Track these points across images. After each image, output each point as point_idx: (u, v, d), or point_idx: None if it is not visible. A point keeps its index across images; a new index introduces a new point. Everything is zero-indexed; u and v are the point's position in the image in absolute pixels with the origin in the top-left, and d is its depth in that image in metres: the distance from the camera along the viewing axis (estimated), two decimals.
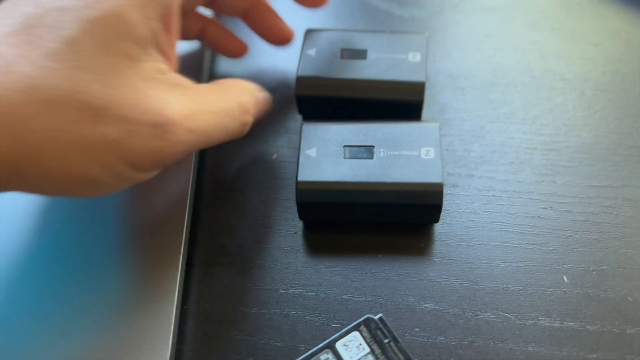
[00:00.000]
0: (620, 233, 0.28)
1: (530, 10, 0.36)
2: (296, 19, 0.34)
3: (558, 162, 0.30)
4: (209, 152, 0.31)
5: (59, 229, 0.28)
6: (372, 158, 0.27)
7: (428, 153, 0.27)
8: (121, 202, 0.28)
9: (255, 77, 0.33)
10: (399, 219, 0.28)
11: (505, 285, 0.26)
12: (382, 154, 0.27)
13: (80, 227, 0.28)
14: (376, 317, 0.24)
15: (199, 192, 0.30)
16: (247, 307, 0.26)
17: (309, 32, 0.31)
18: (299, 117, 0.32)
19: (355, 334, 0.24)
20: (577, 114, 0.32)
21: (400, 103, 0.29)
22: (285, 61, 0.35)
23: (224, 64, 0.36)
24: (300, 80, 0.30)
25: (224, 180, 0.31)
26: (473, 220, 0.28)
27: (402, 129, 0.28)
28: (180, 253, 0.27)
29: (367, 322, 0.24)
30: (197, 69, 0.33)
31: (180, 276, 0.27)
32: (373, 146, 0.28)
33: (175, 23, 0.24)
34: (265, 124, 0.32)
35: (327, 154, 0.27)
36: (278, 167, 0.31)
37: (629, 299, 0.26)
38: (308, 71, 0.30)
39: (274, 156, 0.31)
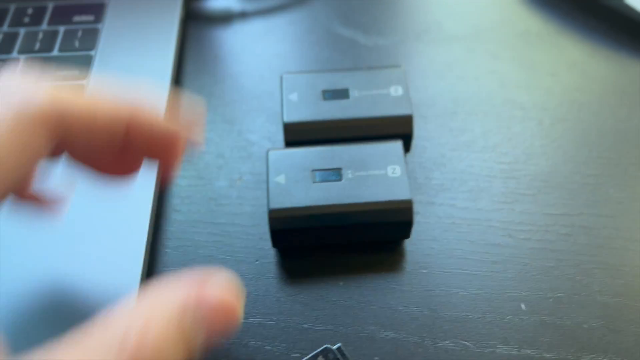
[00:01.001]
0: (577, 261, 0.28)
1: (491, 41, 0.37)
2: (260, 56, 0.34)
3: (517, 190, 0.30)
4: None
5: None
6: (341, 180, 0.27)
7: (394, 171, 0.27)
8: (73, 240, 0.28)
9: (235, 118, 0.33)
10: (372, 238, 0.28)
11: (464, 313, 0.27)
12: (350, 175, 0.27)
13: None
14: (334, 347, 0.24)
15: (158, 218, 0.30)
16: None
17: (286, 76, 0.31)
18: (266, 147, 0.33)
19: None
20: (535, 143, 0.32)
21: (390, 137, 0.29)
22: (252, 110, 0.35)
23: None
24: (288, 126, 0.30)
25: (182, 205, 0.30)
26: (433, 248, 0.29)
27: (368, 149, 0.28)
28: (137, 281, 0.26)
29: (325, 352, 0.24)
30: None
31: None
32: (341, 168, 0.28)
33: None
34: (232, 153, 0.32)
35: (296, 180, 0.27)
36: (241, 193, 0.31)
37: (584, 326, 0.26)
38: (294, 116, 0.30)
39: (239, 180, 0.31)
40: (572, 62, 0.36)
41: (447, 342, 0.26)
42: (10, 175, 0.18)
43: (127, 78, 0.34)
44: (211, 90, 0.35)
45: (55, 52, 0.35)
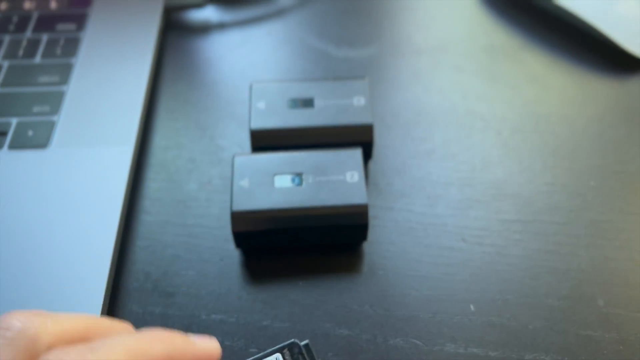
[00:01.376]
0: (526, 265, 0.29)
1: (456, 54, 0.39)
2: (236, 66, 0.36)
3: (472, 197, 0.32)
4: (140, 175, 0.33)
5: None
6: (302, 185, 0.29)
7: (353, 177, 0.29)
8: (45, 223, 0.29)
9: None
10: (330, 240, 0.30)
11: (415, 313, 0.28)
12: (310, 180, 0.29)
13: None
14: (302, 343, 0.25)
15: (129, 219, 0.31)
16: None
17: (255, 85, 0.33)
18: (233, 151, 0.34)
19: (278, 355, 0.25)
20: (493, 152, 0.34)
21: (352, 145, 0.31)
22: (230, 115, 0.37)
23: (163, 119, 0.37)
24: (254, 133, 0.31)
25: (152, 207, 0.32)
26: (390, 250, 0.30)
27: (328, 155, 0.30)
28: (104, 279, 0.28)
29: (291, 347, 0.25)
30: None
31: (104, 304, 0.27)
32: (302, 173, 0.29)
33: None
34: (203, 157, 0.34)
35: (259, 184, 0.29)
36: (210, 196, 0.32)
37: (529, 327, 0.27)
38: (260, 123, 0.31)
39: (207, 185, 0.33)
40: (532, 75, 0.37)
41: (398, 339, 0.27)
42: None
43: (105, 85, 0.35)
44: (186, 97, 0.37)
45: (37, 59, 0.37)
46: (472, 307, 0.28)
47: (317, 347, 0.27)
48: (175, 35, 0.41)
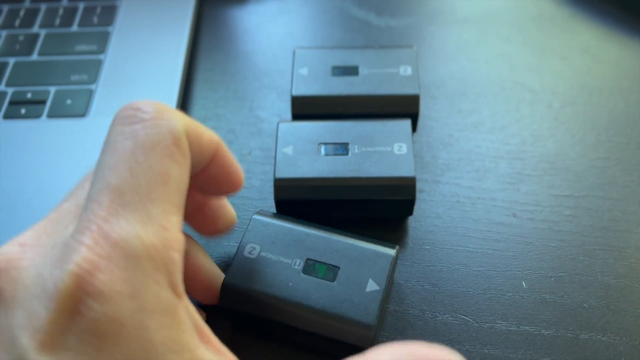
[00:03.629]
0: (579, 241, 0.28)
1: (504, 24, 0.37)
2: (274, 35, 0.35)
3: (523, 171, 0.31)
4: None
5: None
6: (347, 154, 0.28)
7: (401, 148, 0.28)
8: None
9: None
10: (375, 213, 0.29)
11: (464, 289, 0.27)
12: (356, 150, 0.28)
13: None
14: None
15: None
16: None
17: (298, 51, 0.32)
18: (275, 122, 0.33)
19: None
20: (544, 125, 0.32)
21: (397, 116, 0.30)
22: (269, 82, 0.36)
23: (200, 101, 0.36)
24: (296, 99, 0.30)
25: None
26: (437, 225, 0.29)
27: (376, 126, 0.29)
28: None
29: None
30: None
31: None
32: (348, 143, 0.28)
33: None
34: (242, 128, 0.33)
35: (303, 152, 0.28)
36: (250, 168, 0.31)
37: (585, 305, 0.26)
38: (302, 90, 0.30)
39: (248, 154, 0.32)
40: (584, 46, 0.36)
41: (447, 315, 0.26)
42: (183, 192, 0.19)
43: (143, 54, 0.35)
44: (224, 68, 0.36)
45: (74, 28, 0.36)
46: (524, 283, 0.27)
47: None
48: (213, 4, 0.40)
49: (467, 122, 0.33)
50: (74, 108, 0.32)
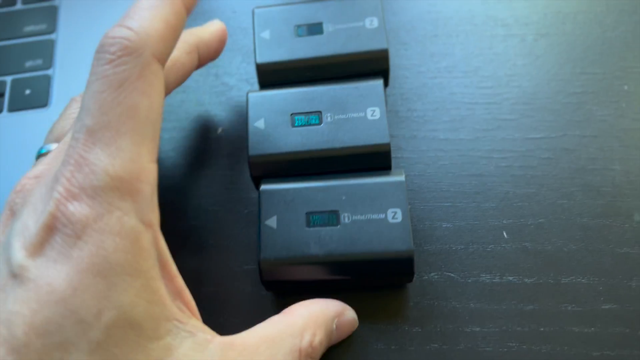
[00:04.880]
0: (558, 184, 0.28)
1: None
2: None
3: (499, 116, 0.30)
4: None
5: None
6: (320, 124, 0.27)
7: (374, 113, 0.27)
8: None
9: None
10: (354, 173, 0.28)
11: (447, 246, 0.28)
12: (329, 119, 0.27)
13: None
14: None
15: None
16: (206, 288, 0.27)
17: (258, 11, 0.30)
18: (243, 92, 0.32)
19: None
20: (518, 62, 0.31)
21: (367, 73, 0.29)
22: None
23: None
24: (261, 67, 0.29)
25: (167, 160, 0.31)
26: (415, 183, 0.29)
27: (347, 90, 0.28)
28: None
29: None
30: None
31: None
32: (320, 111, 0.28)
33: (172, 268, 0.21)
34: (211, 99, 0.32)
35: (276, 125, 0.27)
36: (224, 142, 0.31)
37: (564, 249, 0.27)
38: (266, 57, 0.29)
39: (219, 130, 0.31)
40: None
41: (432, 274, 0.27)
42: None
43: (96, 28, 0.33)
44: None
45: (19, 6, 0.34)
46: (504, 234, 0.28)
47: None
48: None
49: (440, 67, 0.32)
50: (34, 98, 0.31)
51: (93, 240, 0.18)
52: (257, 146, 0.27)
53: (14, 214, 0.21)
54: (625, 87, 0.30)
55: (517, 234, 0.28)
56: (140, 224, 0.19)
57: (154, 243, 0.19)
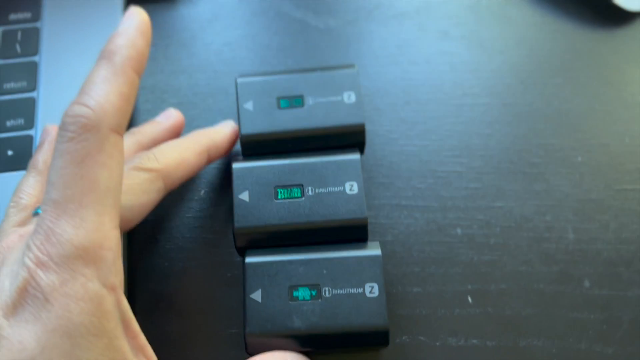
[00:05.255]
0: (517, 252, 0.31)
1: (442, 17, 0.37)
2: (211, 46, 0.33)
3: (465, 184, 0.33)
4: None
5: None
6: (302, 197, 0.29)
7: (352, 188, 0.29)
8: None
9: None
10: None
11: (418, 310, 0.30)
12: (310, 193, 0.29)
13: None
14: None
15: (130, 240, 0.31)
16: (191, 352, 0.29)
17: (241, 81, 0.31)
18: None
19: None
20: (483, 132, 0.34)
21: (345, 145, 0.31)
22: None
23: None
24: (245, 138, 0.30)
25: (150, 221, 0.32)
26: (389, 248, 0.31)
27: (327, 164, 0.30)
28: None
29: None
30: None
31: None
32: (302, 184, 0.29)
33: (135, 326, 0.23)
34: None
35: (259, 197, 0.29)
36: (207, 204, 0.32)
37: (522, 314, 0.30)
38: (249, 128, 0.30)
39: (202, 192, 0.33)
40: (520, 37, 0.36)
41: (404, 337, 0.29)
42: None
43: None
44: (164, 88, 0.35)
45: None
46: (469, 298, 0.30)
47: None
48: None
49: (411, 135, 0.34)
50: (17, 160, 0.32)
51: (60, 304, 0.20)
52: (242, 219, 0.29)
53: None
54: (579, 159, 0.33)
55: (481, 299, 0.30)
56: (103, 288, 0.21)
57: (116, 305, 0.21)
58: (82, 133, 0.21)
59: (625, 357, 0.29)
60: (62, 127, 0.21)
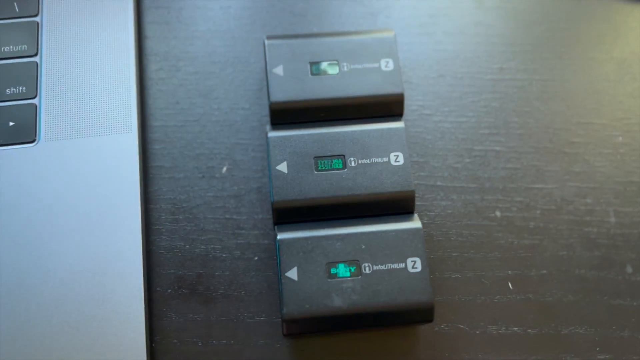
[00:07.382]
0: (558, 236, 0.30)
1: None
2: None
3: (503, 165, 0.31)
4: (154, 172, 0.30)
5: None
6: (344, 169, 0.27)
7: (397, 159, 0.27)
8: (72, 244, 0.27)
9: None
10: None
11: (457, 297, 0.28)
12: (353, 164, 0.27)
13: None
14: None
15: (149, 221, 0.29)
16: (216, 341, 0.27)
17: (269, 43, 0.29)
18: (245, 128, 0.31)
19: None
20: (521, 109, 0.32)
21: (382, 116, 0.29)
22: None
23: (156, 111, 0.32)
24: (274, 106, 0.28)
25: (174, 204, 0.29)
26: (425, 231, 0.29)
27: (369, 133, 0.28)
28: (140, 288, 0.26)
29: None
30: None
31: (145, 311, 0.26)
32: (344, 155, 0.27)
33: None
34: (217, 136, 0.31)
35: (298, 168, 0.27)
36: (230, 181, 0.30)
37: (564, 300, 0.29)
38: (280, 95, 0.28)
39: (224, 169, 0.30)
40: (557, 8, 0.34)
41: (443, 325, 0.28)
42: None
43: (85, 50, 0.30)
44: (179, 55, 0.32)
45: None
46: (510, 285, 0.29)
47: None
48: None
49: (445, 111, 0.32)
50: (19, 132, 0.29)
51: None
52: (281, 192, 0.27)
53: None
54: (620, 139, 0.32)
55: (521, 285, 0.29)
56: None
57: None
58: None
59: None
60: None
